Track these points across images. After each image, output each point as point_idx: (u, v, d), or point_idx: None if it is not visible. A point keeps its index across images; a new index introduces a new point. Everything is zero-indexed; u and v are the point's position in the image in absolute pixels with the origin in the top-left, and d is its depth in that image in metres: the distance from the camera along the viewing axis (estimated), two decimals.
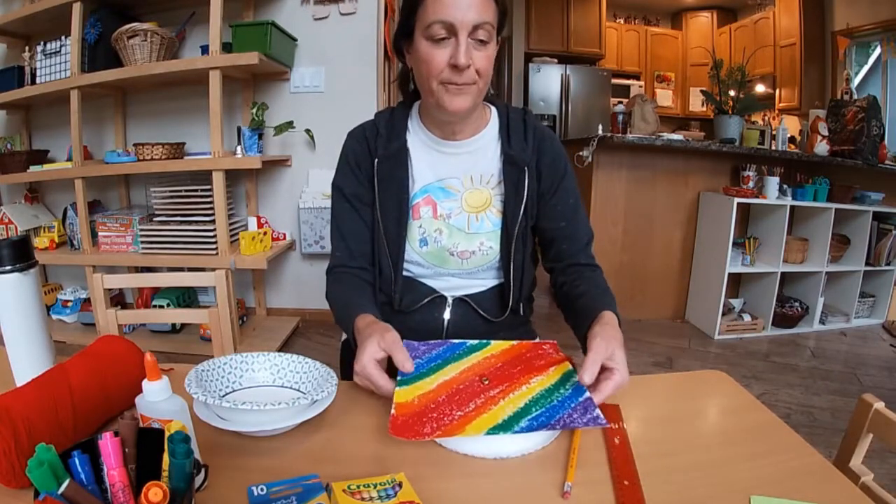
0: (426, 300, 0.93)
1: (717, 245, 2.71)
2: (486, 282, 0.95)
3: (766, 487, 0.55)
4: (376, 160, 0.88)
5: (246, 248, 2.29)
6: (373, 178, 0.89)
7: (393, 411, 0.62)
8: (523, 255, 0.92)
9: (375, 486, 0.51)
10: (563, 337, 0.85)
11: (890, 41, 3.88)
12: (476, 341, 0.80)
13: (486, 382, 0.69)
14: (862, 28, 4.03)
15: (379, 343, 0.69)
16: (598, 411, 0.62)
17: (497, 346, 0.79)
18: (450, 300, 0.93)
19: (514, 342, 0.80)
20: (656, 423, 0.70)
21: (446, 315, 0.93)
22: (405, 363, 0.69)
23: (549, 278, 0.98)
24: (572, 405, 0.64)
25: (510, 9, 5.26)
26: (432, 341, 0.80)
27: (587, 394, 0.65)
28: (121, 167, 2.33)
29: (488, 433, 0.59)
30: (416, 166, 0.90)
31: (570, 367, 0.72)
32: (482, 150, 0.91)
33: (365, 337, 0.71)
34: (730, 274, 2.66)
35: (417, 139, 0.91)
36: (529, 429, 0.60)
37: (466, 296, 0.94)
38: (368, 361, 0.68)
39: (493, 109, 0.93)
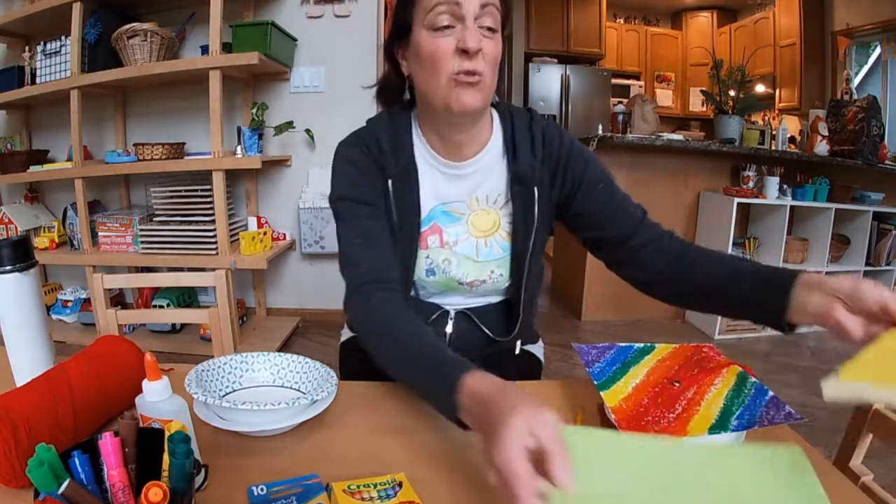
0: (431, 318, 0.88)
1: (716, 245, 2.71)
2: (492, 298, 0.90)
3: None
4: (390, 180, 0.79)
5: (246, 248, 2.28)
6: (388, 198, 0.79)
7: (612, 416, 0.64)
8: (534, 274, 0.87)
9: (375, 486, 0.51)
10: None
11: (890, 41, 3.88)
12: (641, 345, 0.82)
13: (678, 385, 0.71)
14: (862, 28, 4.03)
15: (531, 426, 0.45)
16: (788, 408, 0.64)
17: (663, 349, 0.82)
18: (452, 313, 0.89)
19: (676, 345, 0.82)
20: None
21: (448, 328, 0.88)
22: (563, 475, 0.42)
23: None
24: (763, 404, 0.67)
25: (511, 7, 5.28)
26: (600, 344, 0.82)
27: (770, 393, 0.68)
28: (121, 167, 2.33)
29: (710, 433, 0.61)
30: (422, 187, 0.82)
31: (740, 368, 0.75)
32: (487, 167, 0.83)
33: (506, 409, 0.47)
34: None
35: (421, 155, 0.82)
36: (740, 427, 0.62)
37: (469, 310, 0.89)
38: (517, 452, 0.43)
39: (496, 117, 0.85)
